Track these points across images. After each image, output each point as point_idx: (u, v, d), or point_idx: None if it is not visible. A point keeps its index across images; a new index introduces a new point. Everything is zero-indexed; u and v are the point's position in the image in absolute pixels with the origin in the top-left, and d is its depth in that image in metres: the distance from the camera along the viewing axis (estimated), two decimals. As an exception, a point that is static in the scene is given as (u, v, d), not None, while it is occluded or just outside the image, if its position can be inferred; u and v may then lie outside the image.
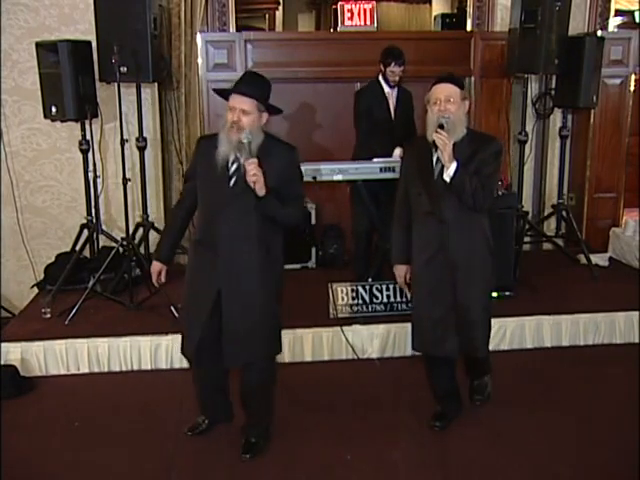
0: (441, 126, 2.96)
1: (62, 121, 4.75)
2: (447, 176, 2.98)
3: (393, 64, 4.55)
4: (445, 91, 3.01)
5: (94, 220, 4.82)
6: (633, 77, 5.58)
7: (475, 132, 3.19)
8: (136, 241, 5.01)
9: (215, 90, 3.03)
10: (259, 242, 2.92)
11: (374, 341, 4.19)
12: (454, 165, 2.96)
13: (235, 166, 2.88)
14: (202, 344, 2.99)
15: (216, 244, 2.91)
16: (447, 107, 2.99)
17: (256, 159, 2.79)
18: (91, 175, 4.75)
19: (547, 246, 5.75)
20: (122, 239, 4.67)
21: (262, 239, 2.93)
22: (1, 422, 3.40)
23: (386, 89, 4.66)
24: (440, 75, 3.10)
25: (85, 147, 4.76)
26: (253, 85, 2.88)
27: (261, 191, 2.80)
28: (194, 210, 3.08)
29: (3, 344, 4.02)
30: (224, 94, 2.92)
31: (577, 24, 5.50)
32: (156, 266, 3.15)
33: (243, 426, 3.22)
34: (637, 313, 4.38)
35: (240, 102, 2.82)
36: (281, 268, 3.09)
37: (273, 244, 2.99)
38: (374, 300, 4.32)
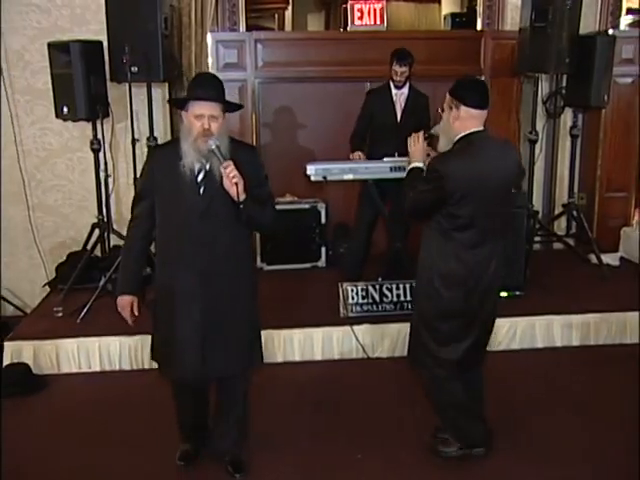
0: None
1: (74, 121, 4.77)
2: None
3: (395, 63, 4.54)
4: None
5: (105, 219, 4.84)
6: (645, 76, 5.55)
7: None
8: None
9: (175, 100, 2.86)
10: (237, 247, 2.79)
11: (384, 340, 4.20)
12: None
13: (202, 175, 2.69)
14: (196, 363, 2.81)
15: (191, 256, 2.71)
16: None
17: (231, 161, 2.61)
18: (102, 174, 4.77)
19: (557, 246, 5.72)
20: (133, 238, 4.68)
21: (240, 244, 2.81)
22: (1, 421, 3.42)
23: (394, 91, 4.65)
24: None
25: (96, 147, 4.77)
26: (216, 88, 2.68)
27: (242, 195, 2.60)
28: (152, 230, 2.82)
29: (15, 343, 4.06)
30: (184, 102, 2.73)
31: (588, 23, 5.47)
32: (125, 301, 2.82)
33: (219, 442, 3.03)
34: (647, 312, 4.36)
35: (209, 108, 2.63)
36: (255, 273, 3.01)
37: (249, 250, 2.89)
38: (384, 299, 4.32)
